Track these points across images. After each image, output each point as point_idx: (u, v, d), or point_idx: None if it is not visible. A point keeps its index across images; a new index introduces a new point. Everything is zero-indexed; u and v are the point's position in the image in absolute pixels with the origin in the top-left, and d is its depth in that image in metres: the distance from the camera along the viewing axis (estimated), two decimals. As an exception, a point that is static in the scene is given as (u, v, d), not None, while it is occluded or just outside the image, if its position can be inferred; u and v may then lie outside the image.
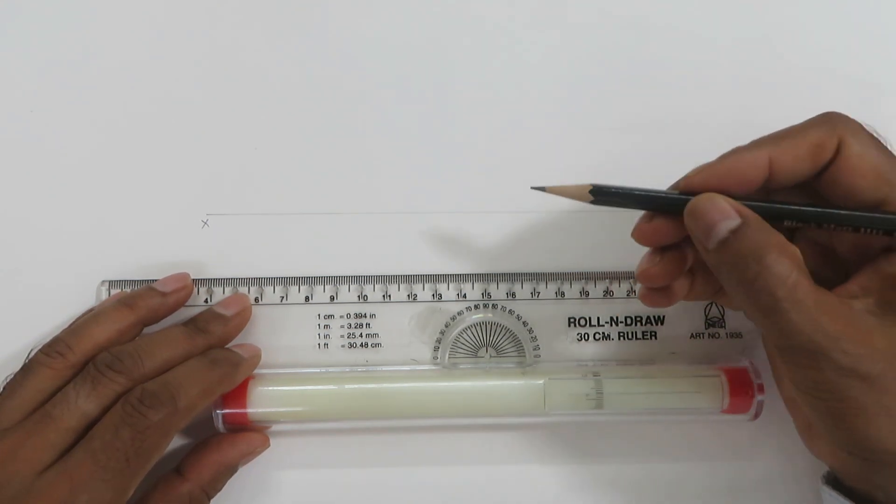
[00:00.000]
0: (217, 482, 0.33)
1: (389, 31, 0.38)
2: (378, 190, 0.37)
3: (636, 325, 0.36)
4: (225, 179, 0.37)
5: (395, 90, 0.37)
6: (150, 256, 0.36)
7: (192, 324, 0.33)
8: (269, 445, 0.35)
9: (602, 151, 0.37)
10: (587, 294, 0.36)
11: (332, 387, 0.34)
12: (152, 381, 0.30)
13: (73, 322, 0.33)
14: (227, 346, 0.34)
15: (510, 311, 0.36)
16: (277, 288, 0.35)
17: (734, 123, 0.37)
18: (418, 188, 0.37)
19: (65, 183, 0.36)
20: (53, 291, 0.35)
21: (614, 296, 0.36)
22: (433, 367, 0.35)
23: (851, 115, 0.29)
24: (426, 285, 0.36)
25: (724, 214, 0.27)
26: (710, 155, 0.37)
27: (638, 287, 0.32)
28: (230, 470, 0.34)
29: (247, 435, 0.34)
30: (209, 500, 0.33)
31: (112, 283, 0.35)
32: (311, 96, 0.37)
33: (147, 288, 0.34)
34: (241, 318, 0.34)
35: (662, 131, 0.37)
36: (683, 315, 0.36)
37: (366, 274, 0.36)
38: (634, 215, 0.30)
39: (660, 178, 0.37)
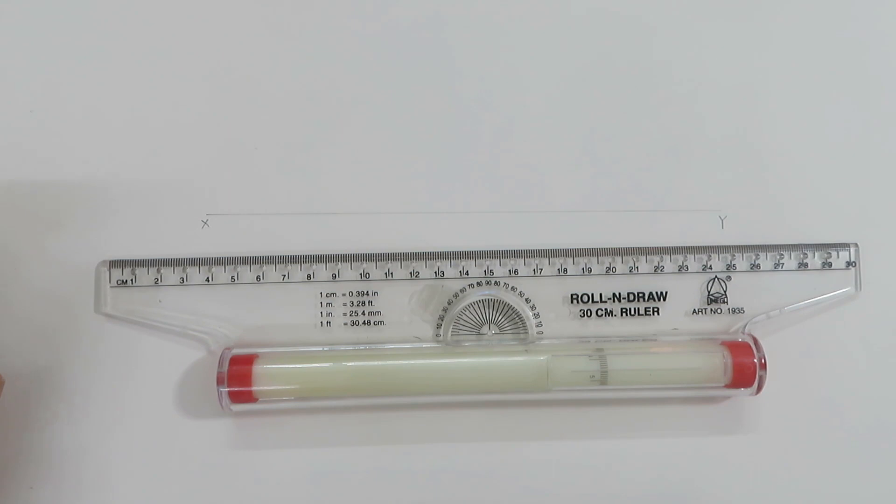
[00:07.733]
0: None
1: (389, 31, 0.37)
2: (379, 190, 0.36)
3: (638, 301, 0.36)
4: (225, 179, 0.36)
5: (395, 90, 0.37)
6: (150, 256, 0.35)
7: None
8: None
9: (602, 148, 0.37)
10: (589, 270, 0.36)
11: (334, 364, 0.34)
12: None
13: None
14: None
15: (512, 288, 0.36)
16: (279, 266, 0.35)
17: (733, 123, 0.37)
18: (418, 189, 0.37)
19: (64, 183, 0.36)
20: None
21: (616, 272, 0.36)
22: (436, 345, 0.35)
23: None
24: (428, 263, 0.36)
25: None
26: (711, 152, 0.37)
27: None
28: None
29: None
30: None
31: (112, 263, 0.35)
32: (311, 96, 0.37)
33: None
34: None
35: (664, 129, 0.37)
36: (685, 291, 0.36)
37: (367, 252, 0.36)
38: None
39: (661, 174, 0.37)
